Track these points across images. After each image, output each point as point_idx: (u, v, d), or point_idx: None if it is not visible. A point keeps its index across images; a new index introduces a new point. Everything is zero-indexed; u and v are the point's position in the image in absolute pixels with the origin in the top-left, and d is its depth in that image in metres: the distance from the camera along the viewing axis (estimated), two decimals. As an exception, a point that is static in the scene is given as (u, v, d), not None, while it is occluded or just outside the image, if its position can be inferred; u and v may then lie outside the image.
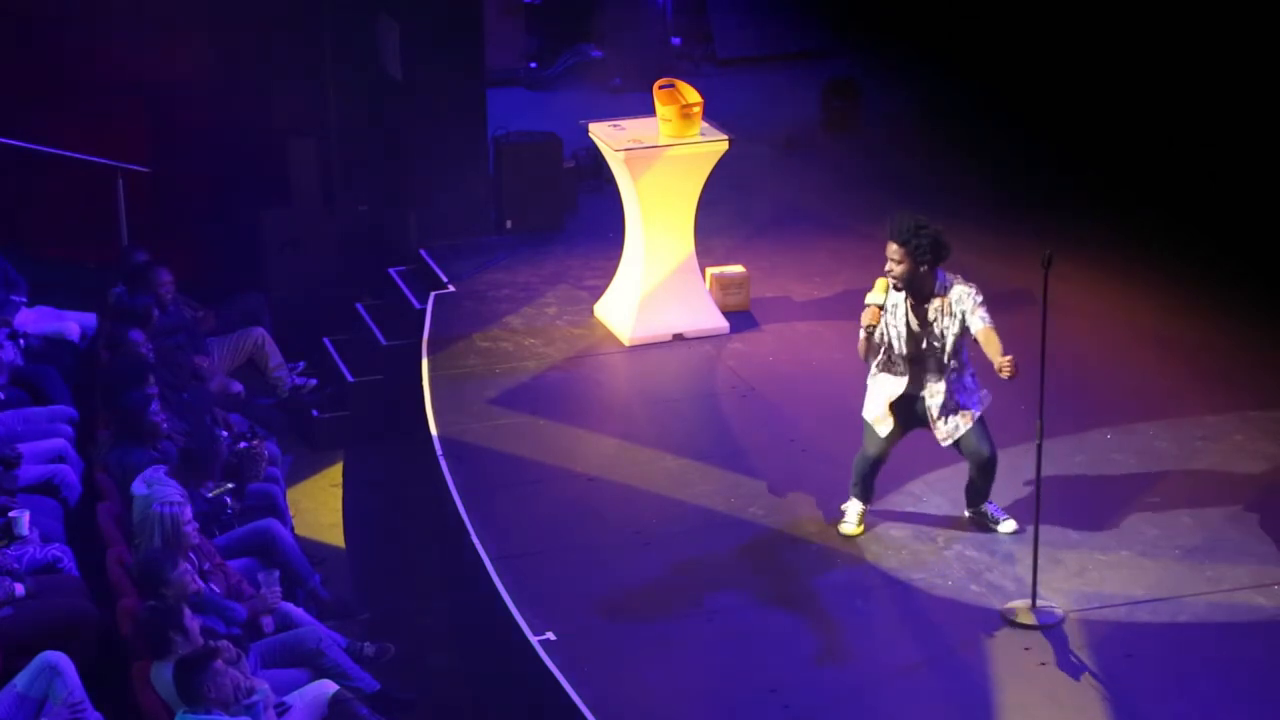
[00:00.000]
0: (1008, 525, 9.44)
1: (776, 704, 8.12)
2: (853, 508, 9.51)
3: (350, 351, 13.13)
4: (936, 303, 9.05)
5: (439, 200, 13.54)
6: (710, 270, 12.14)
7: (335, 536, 11.43)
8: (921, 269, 8.98)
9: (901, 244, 8.95)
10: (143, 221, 14.16)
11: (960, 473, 9.70)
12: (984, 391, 9.29)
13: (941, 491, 9.77)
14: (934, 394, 9.21)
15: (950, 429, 9.24)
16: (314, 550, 10.91)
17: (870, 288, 9.22)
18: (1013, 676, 8.24)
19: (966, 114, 15.33)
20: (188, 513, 8.96)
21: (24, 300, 11.90)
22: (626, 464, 10.25)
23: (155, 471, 9.34)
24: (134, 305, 11.45)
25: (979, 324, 9.01)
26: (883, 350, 9.20)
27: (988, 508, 9.49)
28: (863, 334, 9.14)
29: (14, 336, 11.53)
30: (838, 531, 9.45)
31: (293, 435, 12.45)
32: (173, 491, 9.18)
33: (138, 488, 9.32)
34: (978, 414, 9.24)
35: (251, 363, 12.72)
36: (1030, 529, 8.71)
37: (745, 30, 17.79)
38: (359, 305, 13.42)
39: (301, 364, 13.14)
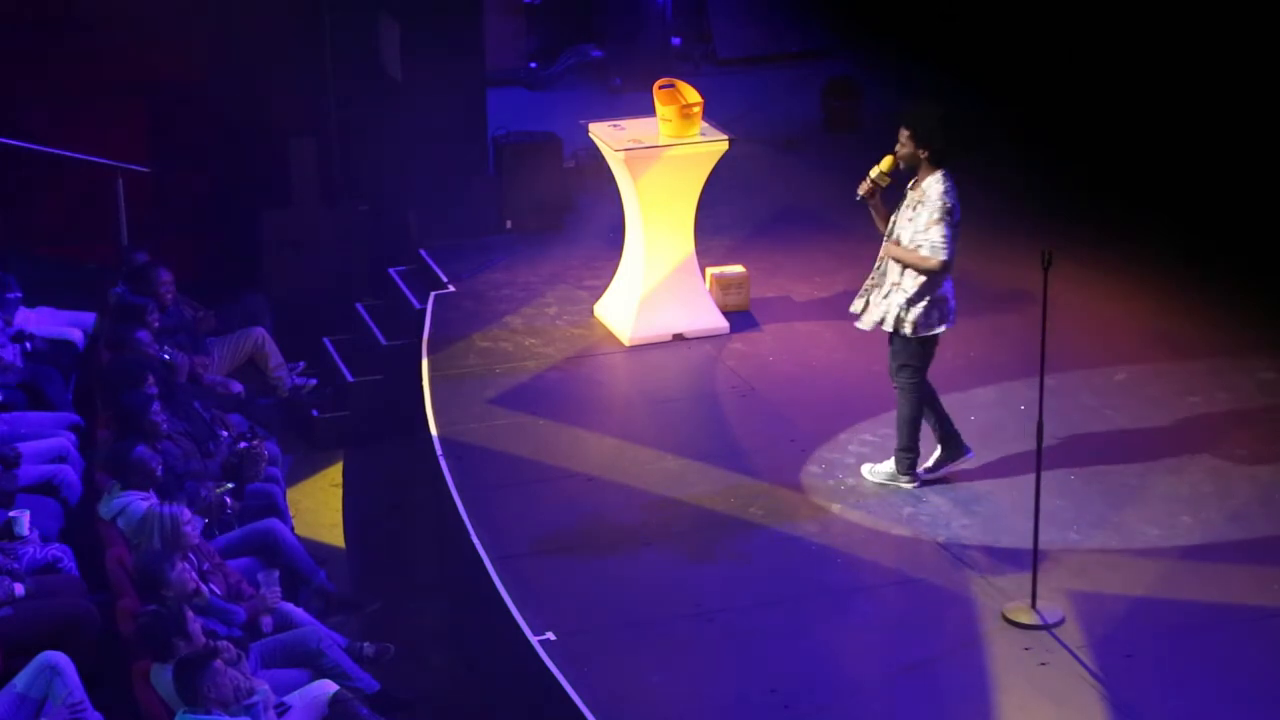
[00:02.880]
0: (865, 467, 9.80)
1: (776, 704, 8.12)
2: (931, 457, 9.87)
3: (350, 351, 13.13)
4: (914, 193, 9.35)
5: (439, 200, 13.54)
6: (710, 270, 12.14)
7: (335, 536, 11.43)
8: (923, 156, 9.31)
9: (906, 127, 9.31)
10: (143, 221, 14.17)
11: (962, 472, 9.69)
12: (925, 314, 9.39)
13: (941, 491, 9.78)
14: (877, 281, 9.52)
15: (867, 315, 9.55)
16: (314, 550, 10.90)
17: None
18: (1013, 676, 8.24)
19: (966, 114, 15.29)
20: (186, 513, 8.97)
21: (18, 295, 11.89)
22: (626, 464, 10.25)
23: (113, 486, 9.40)
24: (132, 305, 11.44)
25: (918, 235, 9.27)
26: None
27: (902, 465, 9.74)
28: (870, 206, 9.61)
29: (18, 338, 11.53)
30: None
31: (293, 435, 12.45)
32: (134, 500, 9.21)
33: (100, 508, 9.36)
34: (900, 330, 9.43)
35: (251, 363, 12.71)
36: (1030, 530, 8.70)
37: (745, 30, 17.78)
38: (359, 305, 13.42)
39: (301, 364, 13.13)
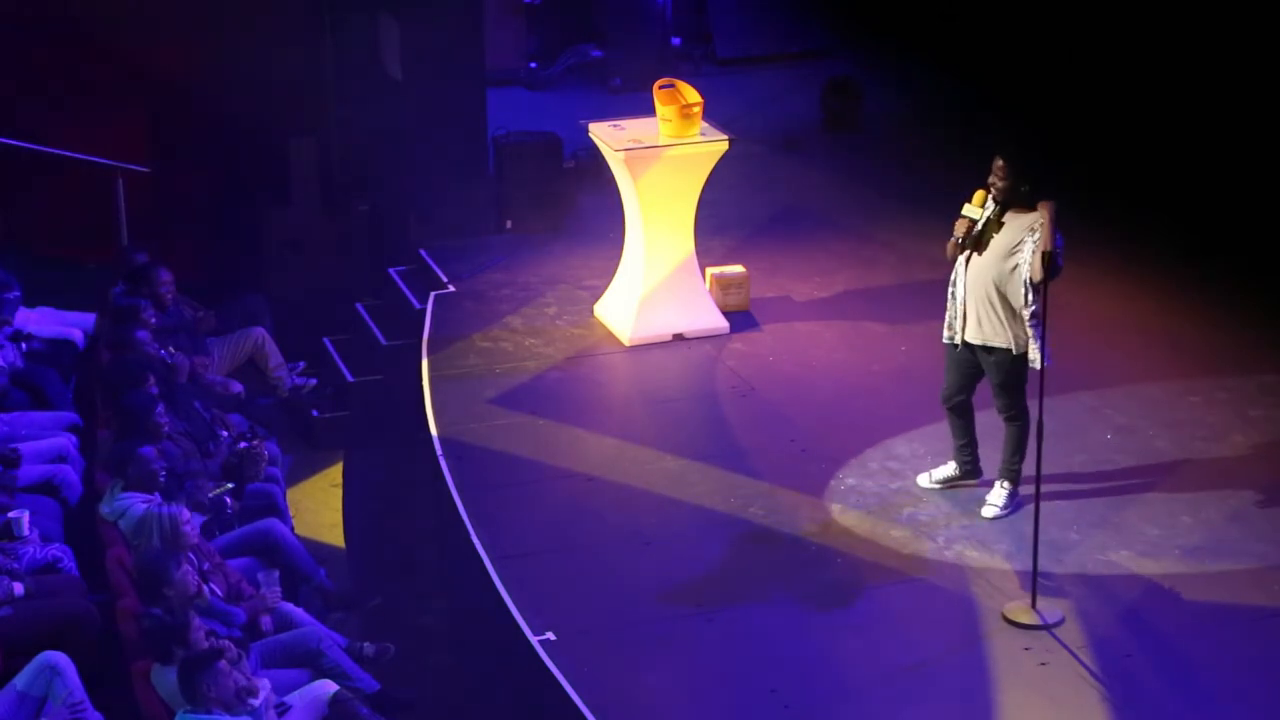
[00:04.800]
0: (987, 510, 9.53)
1: (776, 704, 8.12)
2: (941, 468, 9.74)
3: (350, 351, 13.13)
4: (1014, 224, 9.16)
5: (439, 200, 13.54)
6: (710, 270, 12.14)
7: (335, 536, 11.43)
8: (1023, 189, 9.16)
9: (1007, 159, 9.17)
10: (143, 221, 14.16)
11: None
12: (1039, 348, 9.17)
13: (941, 491, 9.77)
14: (980, 303, 9.29)
15: (978, 331, 9.31)
16: (314, 550, 10.91)
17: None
18: (1013, 676, 8.24)
19: (966, 113, 15.33)
20: (186, 513, 8.96)
21: (17, 295, 11.89)
22: (626, 464, 10.25)
23: (114, 487, 9.38)
24: (126, 305, 11.41)
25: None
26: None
27: (996, 483, 9.56)
28: (953, 240, 9.34)
29: (16, 338, 11.53)
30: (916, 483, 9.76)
31: (293, 435, 12.45)
32: (135, 501, 9.20)
33: (102, 507, 9.35)
34: (1026, 356, 9.22)
35: (251, 363, 12.71)
36: (1031, 530, 8.71)
37: (745, 30, 17.79)
38: (359, 305, 13.42)
39: (301, 364, 13.13)
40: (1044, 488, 8.69)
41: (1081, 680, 8.22)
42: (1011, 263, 9.16)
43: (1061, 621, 8.59)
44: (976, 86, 15.39)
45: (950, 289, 9.48)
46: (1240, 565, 9.08)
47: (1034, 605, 8.63)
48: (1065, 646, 8.44)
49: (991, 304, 9.26)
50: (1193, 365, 11.29)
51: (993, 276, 9.23)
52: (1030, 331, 9.18)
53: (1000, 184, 9.21)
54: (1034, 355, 9.17)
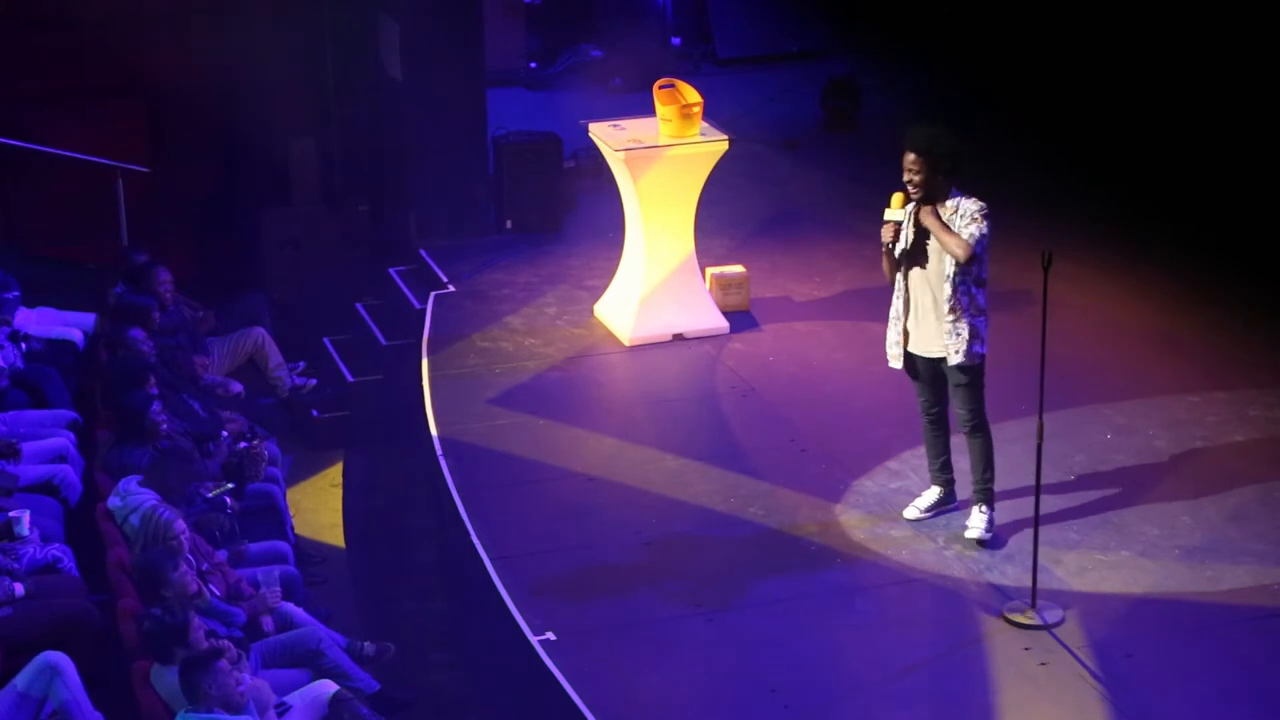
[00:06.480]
0: (970, 534, 9.31)
1: (776, 704, 8.12)
2: (924, 496, 9.54)
3: (350, 351, 13.13)
4: (944, 213, 8.91)
5: (439, 200, 13.55)
6: (710, 270, 12.14)
7: (335, 536, 11.43)
8: (938, 178, 8.87)
9: (918, 153, 8.84)
10: (143, 221, 14.17)
11: (962, 473, 9.68)
12: (979, 344, 9.04)
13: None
14: (926, 312, 9.04)
15: (931, 344, 9.07)
16: (314, 550, 10.93)
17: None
18: (1013, 676, 8.24)
19: (966, 114, 15.32)
20: (178, 518, 8.92)
21: (17, 295, 11.90)
22: (626, 464, 10.25)
23: (128, 483, 9.35)
24: (134, 305, 11.45)
25: (963, 234, 8.84)
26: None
27: (973, 509, 9.34)
28: (884, 249, 9.07)
29: (15, 338, 11.53)
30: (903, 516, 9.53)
31: (293, 435, 12.45)
32: (148, 498, 9.18)
33: (112, 501, 9.33)
34: (965, 361, 9.02)
35: (251, 363, 12.72)
36: (1030, 530, 8.71)
37: (745, 30, 17.80)
38: (359, 305, 13.43)
39: (301, 364, 13.14)
40: (1044, 487, 8.69)
41: (1081, 680, 8.22)
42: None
43: (1061, 621, 8.59)
44: (976, 86, 15.39)
45: (892, 311, 9.21)
46: (1240, 565, 9.08)
47: (1034, 605, 8.63)
48: (1065, 646, 8.44)
49: (942, 312, 9.00)
50: (1192, 365, 11.29)
51: (940, 281, 8.98)
52: (950, 326, 8.98)
53: (916, 178, 8.88)
54: (958, 349, 9.01)
